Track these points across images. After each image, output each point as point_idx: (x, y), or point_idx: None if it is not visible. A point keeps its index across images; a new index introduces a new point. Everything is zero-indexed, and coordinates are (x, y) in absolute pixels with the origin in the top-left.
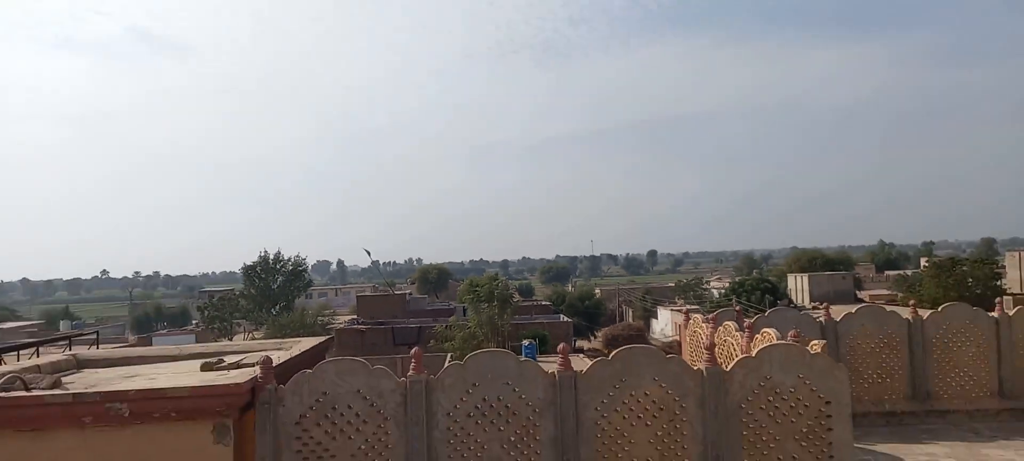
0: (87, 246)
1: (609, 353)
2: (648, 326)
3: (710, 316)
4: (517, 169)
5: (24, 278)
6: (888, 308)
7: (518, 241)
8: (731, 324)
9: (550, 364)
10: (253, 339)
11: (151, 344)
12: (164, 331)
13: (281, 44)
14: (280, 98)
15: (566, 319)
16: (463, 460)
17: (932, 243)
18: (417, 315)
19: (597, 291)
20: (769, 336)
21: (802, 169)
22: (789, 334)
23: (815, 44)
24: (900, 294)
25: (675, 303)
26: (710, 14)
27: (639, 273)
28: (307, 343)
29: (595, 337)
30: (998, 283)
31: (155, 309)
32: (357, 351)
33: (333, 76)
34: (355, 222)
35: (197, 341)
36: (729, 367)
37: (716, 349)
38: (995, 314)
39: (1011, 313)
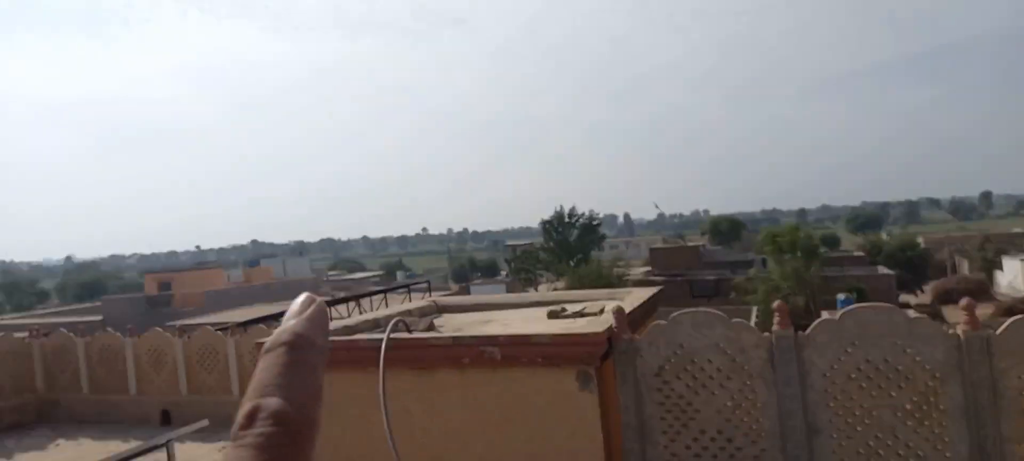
0: (409, 208)
1: (940, 308)
2: (991, 279)
3: None
4: (809, 109)
5: (364, 235)
6: None
7: (815, 187)
8: None
9: None
10: (556, 290)
11: (469, 292)
12: (479, 280)
13: (548, 8)
14: (549, 58)
15: (886, 271)
16: (848, 426)
17: None
18: (712, 267)
19: (920, 240)
20: None
21: None
22: None
23: None
24: None
25: None
26: None
27: (970, 219)
28: (641, 294)
29: (923, 292)
30: None
31: (469, 261)
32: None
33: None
34: (639, 175)
35: (508, 290)
36: None
37: None
38: None
39: None
